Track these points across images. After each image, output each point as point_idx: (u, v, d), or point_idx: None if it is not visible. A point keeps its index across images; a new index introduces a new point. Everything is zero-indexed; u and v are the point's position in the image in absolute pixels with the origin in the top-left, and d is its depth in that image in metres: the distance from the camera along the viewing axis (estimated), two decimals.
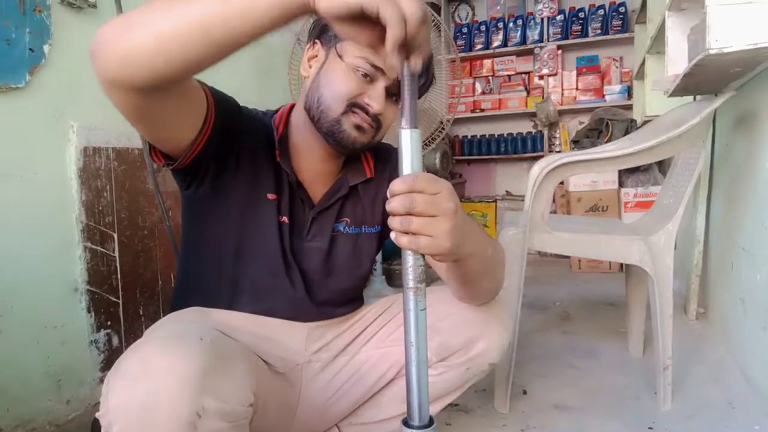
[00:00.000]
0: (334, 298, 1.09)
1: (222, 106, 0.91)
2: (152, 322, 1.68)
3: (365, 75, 0.92)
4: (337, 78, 0.93)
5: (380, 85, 0.93)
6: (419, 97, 1.00)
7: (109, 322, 1.58)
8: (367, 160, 1.10)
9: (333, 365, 1.10)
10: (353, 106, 0.93)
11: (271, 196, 0.98)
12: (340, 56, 0.93)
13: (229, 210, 0.97)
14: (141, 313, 1.68)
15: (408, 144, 0.66)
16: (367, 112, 0.94)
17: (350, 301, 1.14)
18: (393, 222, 0.68)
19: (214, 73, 1.98)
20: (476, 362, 1.03)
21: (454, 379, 1.05)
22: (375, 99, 0.93)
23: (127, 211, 1.63)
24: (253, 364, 0.92)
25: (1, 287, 1.31)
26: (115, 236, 1.59)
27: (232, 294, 1.00)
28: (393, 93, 0.95)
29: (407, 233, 0.68)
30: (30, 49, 1.36)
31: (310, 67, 0.99)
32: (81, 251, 1.50)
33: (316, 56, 0.99)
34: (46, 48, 1.40)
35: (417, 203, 0.66)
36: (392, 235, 0.69)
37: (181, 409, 0.67)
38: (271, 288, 1.01)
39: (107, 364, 1.56)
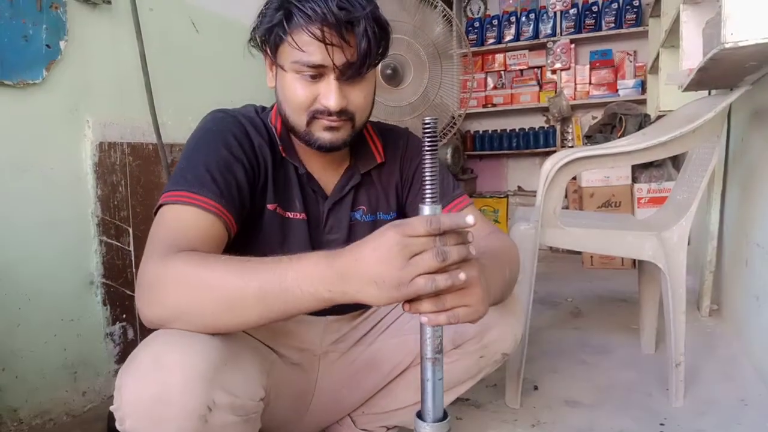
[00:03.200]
0: None
1: (235, 207, 0.89)
2: None
3: (311, 76, 0.88)
4: (288, 91, 0.91)
5: (330, 79, 0.88)
6: (377, 62, 0.93)
7: (124, 315, 1.60)
8: (375, 144, 1.09)
9: (349, 355, 1.11)
10: (314, 113, 0.91)
11: (270, 206, 0.98)
12: (281, 66, 0.91)
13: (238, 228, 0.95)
14: None
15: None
16: (330, 113, 0.90)
17: None
18: (423, 305, 0.67)
19: (229, 74, 2.00)
20: (490, 350, 1.03)
21: (468, 368, 1.05)
22: (329, 97, 0.88)
23: (141, 206, 1.64)
24: (265, 358, 0.93)
25: (19, 280, 1.34)
26: (130, 230, 1.61)
27: None
28: (348, 76, 0.89)
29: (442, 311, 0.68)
30: (46, 45, 1.38)
31: (273, 77, 0.97)
32: (97, 245, 1.52)
33: (273, 65, 0.96)
34: (62, 44, 1.42)
35: (443, 281, 0.66)
36: (423, 318, 0.68)
37: (192, 402, 0.68)
38: None
39: (122, 357, 1.59)
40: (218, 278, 0.70)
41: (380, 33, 0.89)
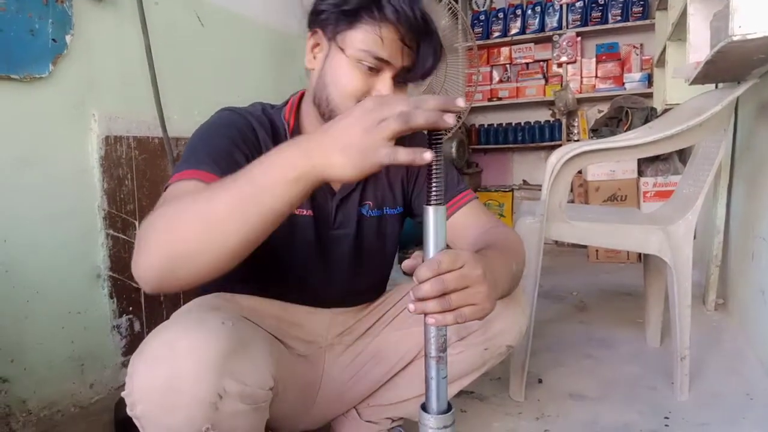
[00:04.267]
0: (362, 284, 1.11)
1: None
2: (173, 307, 1.71)
3: (369, 68, 0.89)
4: (342, 74, 0.90)
5: (386, 76, 0.89)
6: (425, 78, 0.96)
7: (130, 308, 1.61)
8: None
9: (355, 347, 1.12)
10: None
11: None
12: (341, 49, 0.90)
13: None
14: (161, 299, 1.71)
15: (432, 222, 0.66)
16: None
17: (375, 287, 1.17)
18: (428, 305, 0.67)
19: (234, 67, 2.00)
20: (494, 342, 1.04)
21: (472, 360, 1.06)
22: (384, 94, 0.89)
23: (148, 199, 1.65)
24: (274, 348, 0.94)
25: (27, 273, 1.35)
26: (137, 224, 1.61)
27: (259, 289, 1.03)
28: (404, 79, 0.92)
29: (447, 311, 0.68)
30: (53, 39, 1.38)
31: (315, 57, 0.96)
32: (103, 238, 1.53)
33: (319, 45, 0.95)
34: (68, 38, 1.42)
35: (449, 282, 0.67)
36: (429, 319, 0.68)
37: (202, 390, 0.69)
38: (298, 283, 1.04)
39: (129, 349, 1.60)
40: (190, 202, 0.69)
41: (440, 51, 0.95)
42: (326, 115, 0.94)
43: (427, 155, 0.62)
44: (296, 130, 1.01)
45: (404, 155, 0.62)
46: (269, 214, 0.66)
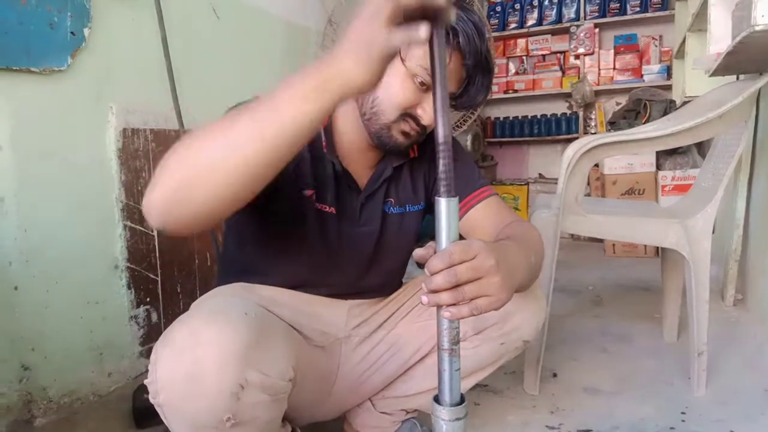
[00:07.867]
0: (382, 279, 1.12)
1: None
2: (189, 298, 1.74)
3: (422, 83, 0.91)
4: (396, 83, 0.92)
5: None
6: (469, 110, 1.00)
7: (148, 299, 1.63)
8: None
9: (371, 339, 1.13)
10: (406, 115, 0.94)
11: (308, 192, 0.99)
12: (402, 59, 0.91)
13: (269, 208, 0.97)
14: (179, 290, 1.73)
15: (445, 214, 0.65)
16: (417, 122, 0.94)
17: (393, 281, 1.18)
18: (442, 297, 0.67)
19: (250, 59, 2.01)
20: (511, 337, 1.04)
21: (488, 354, 1.06)
22: (428, 112, 0.93)
23: None
24: (294, 340, 0.95)
25: (47, 263, 1.37)
26: None
27: (279, 281, 1.04)
28: (450, 105, 0.94)
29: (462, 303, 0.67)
30: (71, 32, 1.40)
31: None
32: (121, 230, 1.55)
33: None
34: (86, 31, 1.43)
35: (461, 274, 0.66)
36: (445, 313, 0.67)
37: (225, 380, 0.70)
38: (317, 278, 1.05)
39: (146, 339, 1.62)
40: (210, 127, 0.69)
41: (490, 91, 1.01)
42: (367, 115, 0.96)
43: (422, 29, 0.58)
44: (329, 128, 1.01)
45: (399, 36, 0.59)
46: (288, 130, 0.65)
